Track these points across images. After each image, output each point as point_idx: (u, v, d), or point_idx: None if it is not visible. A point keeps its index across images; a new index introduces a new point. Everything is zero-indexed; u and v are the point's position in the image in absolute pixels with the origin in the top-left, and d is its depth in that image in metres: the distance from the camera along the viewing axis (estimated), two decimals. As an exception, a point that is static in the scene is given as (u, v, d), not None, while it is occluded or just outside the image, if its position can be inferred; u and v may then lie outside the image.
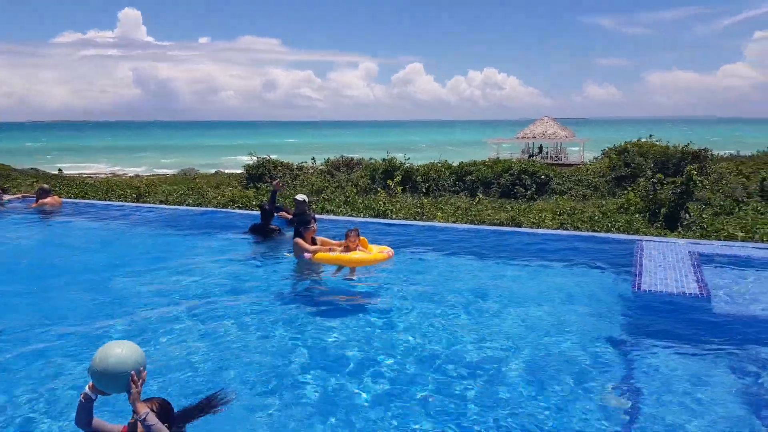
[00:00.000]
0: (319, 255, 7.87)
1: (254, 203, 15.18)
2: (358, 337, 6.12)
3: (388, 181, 20.04)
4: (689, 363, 5.47)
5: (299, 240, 8.22)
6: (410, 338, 6.06)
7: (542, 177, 22.40)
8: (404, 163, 23.40)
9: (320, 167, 26.22)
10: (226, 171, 48.27)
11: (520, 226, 12.30)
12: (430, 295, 7.48)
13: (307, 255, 8.03)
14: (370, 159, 25.83)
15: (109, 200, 15.99)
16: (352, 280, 8.15)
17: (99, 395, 3.17)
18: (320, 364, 5.45)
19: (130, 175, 56.03)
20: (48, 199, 14.10)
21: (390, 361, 5.50)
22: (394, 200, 16.53)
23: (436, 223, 12.37)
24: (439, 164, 24.39)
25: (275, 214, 11.11)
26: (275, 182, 11.99)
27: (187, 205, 15.50)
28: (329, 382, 5.08)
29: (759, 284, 7.78)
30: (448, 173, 23.17)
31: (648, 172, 17.34)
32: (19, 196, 15.35)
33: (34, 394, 4.79)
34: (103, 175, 52.71)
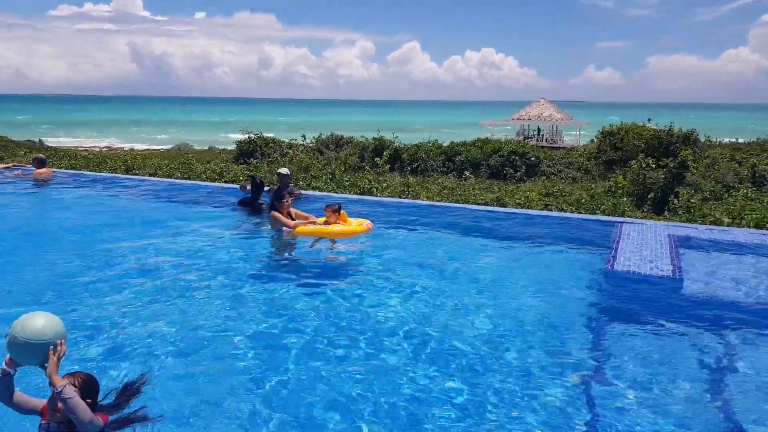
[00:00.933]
0: (300, 228, 7.92)
1: (240, 178, 15.11)
2: (336, 310, 6.08)
3: (376, 159, 19.92)
4: (652, 342, 5.46)
5: (276, 213, 8.15)
6: (386, 311, 6.06)
7: (532, 159, 22.27)
8: (393, 142, 23.26)
9: (310, 145, 26.07)
10: (219, 147, 48.05)
11: (504, 207, 12.25)
12: (406, 269, 7.46)
13: (286, 229, 8.02)
14: (361, 137, 25.67)
15: (99, 173, 16.05)
16: (331, 251, 8.20)
17: (17, 368, 3.07)
18: (300, 337, 5.39)
19: (125, 148, 55.85)
20: (43, 170, 14.36)
21: (367, 334, 5.48)
22: (380, 179, 16.44)
23: (419, 201, 12.31)
24: (429, 144, 24.23)
25: (264, 189, 11.01)
26: (241, 184, 11.72)
27: (174, 178, 15.48)
28: (311, 357, 5.03)
29: (735, 268, 7.75)
30: (437, 153, 23.01)
31: (640, 155, 17.19)
32: (11, 165, 15.46)
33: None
34: (97, 149, 52.43)
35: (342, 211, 8.10)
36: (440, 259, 8.04)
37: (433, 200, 12.84)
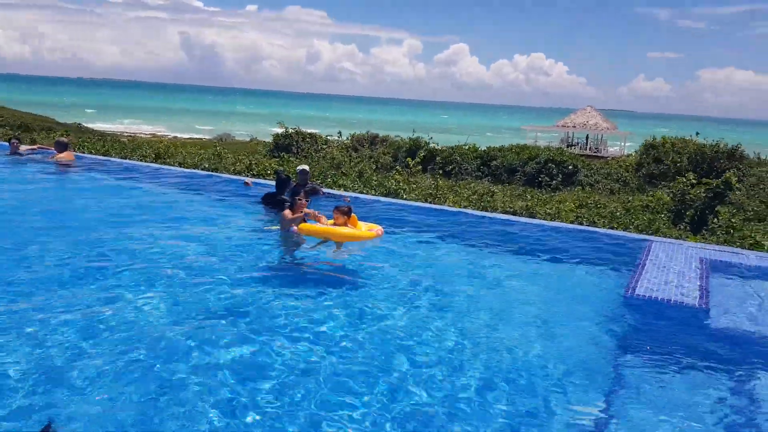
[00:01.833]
0: (305, 226, 7.64)
1: (269, 173, 15.04)
2: (336, 312, 5.93)
3: (408, 160, 19.66)
4: (672, 378, 5.06)
5: (284, 212, 7.96)
6: (390, 317, 5.90)
7: (570, 167, 21.66)
8: (428, 143, 22.94)
9: (345, 142, 25.97)
10: (261, 140, 48.47)
11: (533, 217, 11.83)
12: (414, 278, 7.21)
13: (294, 228, 7.81)
14: (396, 136, 25.44)
15: (126, 159, 16.08)
16: (337, 254, 7.91)
17: None
18: (298, 338, 5.27)
19: (169, 137, 56.85)
20: (63, 154, 14.24)
21: (365, 335, 5.38)
22: (410, 180, 16.17)
23: (445, 207, 11.98)
24: (465, 147, 23.83)
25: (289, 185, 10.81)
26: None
27: (201, 169, 15.47)
28: (309, 356, 4.93)
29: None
30: (472, 157, 22.61)
31: (686, 173, 16.40)
32: (35, 147, 15.58)
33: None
34: (143, 135, 53.65)
35: (353, 215, 7.78)
36: (444, 270, 7.74)
37: (459, 205, 12.50)
